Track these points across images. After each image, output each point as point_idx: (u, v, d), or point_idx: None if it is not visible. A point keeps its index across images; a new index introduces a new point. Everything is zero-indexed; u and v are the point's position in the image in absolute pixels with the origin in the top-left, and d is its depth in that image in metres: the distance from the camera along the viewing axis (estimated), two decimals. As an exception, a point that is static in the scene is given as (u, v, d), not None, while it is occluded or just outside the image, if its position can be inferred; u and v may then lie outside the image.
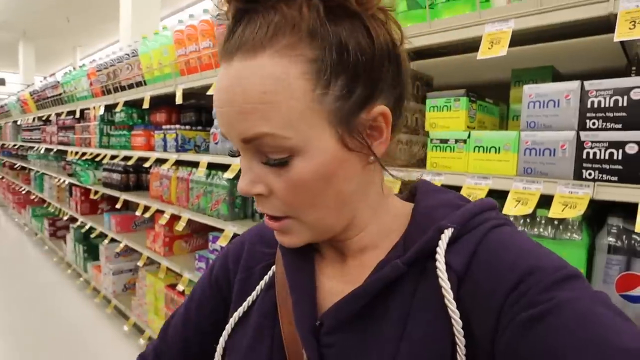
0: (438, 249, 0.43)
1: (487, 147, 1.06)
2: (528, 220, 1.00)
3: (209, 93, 1.88)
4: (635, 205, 0.82)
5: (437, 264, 0.42)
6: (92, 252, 3.75)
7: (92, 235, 3.64)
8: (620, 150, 0.86)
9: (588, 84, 0.91)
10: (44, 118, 4.86)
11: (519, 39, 1.09)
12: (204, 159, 2.05)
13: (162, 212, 2.47)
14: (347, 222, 0.47)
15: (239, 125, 0.40)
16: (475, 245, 0.43)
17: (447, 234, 0.43)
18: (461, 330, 0.40)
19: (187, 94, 2.20)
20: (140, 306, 2.90)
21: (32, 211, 5.61)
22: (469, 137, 1.09)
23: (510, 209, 0.95)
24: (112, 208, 3.64)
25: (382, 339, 0.43)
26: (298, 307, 0.48)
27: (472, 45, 1.13)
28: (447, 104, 1.15)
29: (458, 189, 1.07)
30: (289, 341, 0.48)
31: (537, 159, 0.97)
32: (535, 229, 0.98)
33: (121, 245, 3.09)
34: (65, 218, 4.47)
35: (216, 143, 2.04)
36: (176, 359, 0.62)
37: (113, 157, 3.05)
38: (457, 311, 0.40)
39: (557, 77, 1.19)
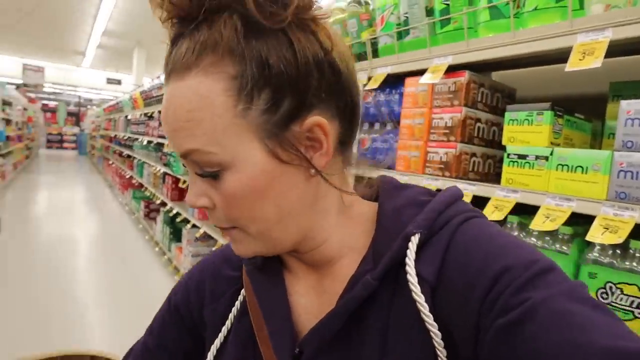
0: (407, 260, 0.40)
1: (572, 166, 0.93)
2: (619, 251, 0.85)
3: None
4: None
5: (409, 277, 0.40)
6: (176, 234, 4.00)
7: (178, 220, 3.89)
8: None
9: None
10: (148, 114, 5.35)
11: (618, 49, 0.94)
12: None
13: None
14: (300, 235, 0.45)
15: (174, 142, 0.41)
16: (444, 249, 0.40)
17: (415, 241, 0.41)
18: (441, 342, 0.38)
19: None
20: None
21: (133, 193, 6.18)
22: (551, 154, 0.97)
23: (597, 236, 0.82)
24: (196, 197, 3.87)
25: (364, 356, 0.41)
26: (275, 337, 0.45)
27: (561, 57, 1.00)
28: (529, 117, 1.04)
29: (536, 208, 0.95)
30: None
31: (634, 183, 0.83)
32: (627, 262, 0.83)
33: (201, 231, 3.28)
34: (157, 202, 4.85)
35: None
36: None
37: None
38: (434, 324, 0.38)
39: (665, 93, 1.01)
